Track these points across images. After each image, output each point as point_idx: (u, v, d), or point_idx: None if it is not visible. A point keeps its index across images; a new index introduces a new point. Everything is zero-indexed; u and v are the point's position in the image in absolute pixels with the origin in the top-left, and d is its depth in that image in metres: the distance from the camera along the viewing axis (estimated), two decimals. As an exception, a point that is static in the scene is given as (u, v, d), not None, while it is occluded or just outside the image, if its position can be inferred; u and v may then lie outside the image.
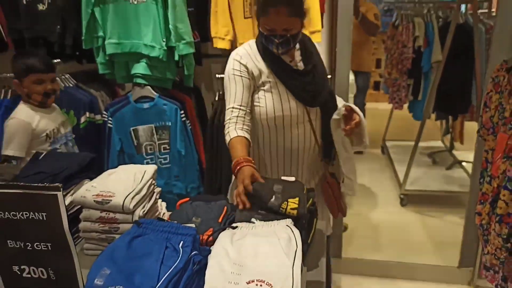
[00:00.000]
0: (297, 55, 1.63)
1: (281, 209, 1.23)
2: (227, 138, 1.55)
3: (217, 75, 2.47)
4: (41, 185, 0.88)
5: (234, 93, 1.59)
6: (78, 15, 2.28)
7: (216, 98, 2.43)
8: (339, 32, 2.19)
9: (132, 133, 2.40)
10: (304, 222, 1.28)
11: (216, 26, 2.27)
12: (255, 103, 1.63)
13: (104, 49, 2.29)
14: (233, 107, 1.59)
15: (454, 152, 4.07)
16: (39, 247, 0.94)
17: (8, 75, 2.57)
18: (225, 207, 1.44)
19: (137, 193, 1.36)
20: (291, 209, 1.22)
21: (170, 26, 2.14)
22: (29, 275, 0.97)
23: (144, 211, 1.37)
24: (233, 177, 1.64)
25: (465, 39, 2.93)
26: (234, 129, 1.54)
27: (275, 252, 0.96)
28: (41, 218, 0.91)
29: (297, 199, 1.25)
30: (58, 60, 2.51)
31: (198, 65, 2.41)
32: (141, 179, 1.44)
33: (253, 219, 1.21)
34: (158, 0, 2.14)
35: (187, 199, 1.53)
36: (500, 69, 1.41)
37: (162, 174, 2.43)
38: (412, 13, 3.14)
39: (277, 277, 0.88)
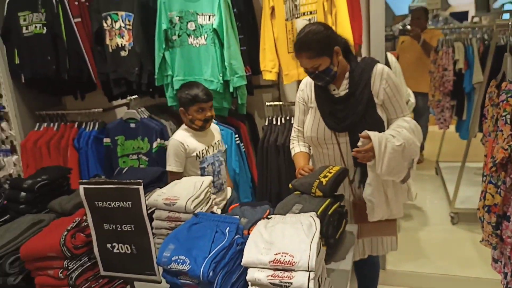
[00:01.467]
0: (345, 83, 1.83)
1: (311, 192, 1.63)
2: (292, 152, 2.05)
3: (267, 103, 2.82)
4: (128, 181, 1.24)
5: (297, 116, 2.04)
6: (151, 59, 2.76)
7: (266, 123, 2.77)
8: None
9: (195, 155, 2.78)
10: (331, 220, 1.55)
11: (264, 61, 2.63)
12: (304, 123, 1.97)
13: (172, 85, 2.73)
14: (295, 127, 2.07)
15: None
16: (125, 228, 1.29)
17: (95, 110, 3.14)
18: (268, 210, 1.74)
19: (196, 197, 1.70)
20: (323, 177, 1.63)
21: (226, 63, 2.53)
22: (118, 251, 1.33)
23: (203, 211, 1.70)
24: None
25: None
26: (298, 145, 2.05)
27: (298, 233, 1.23)
28: (127, 206, 1.26)
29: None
30: (136, 96, 3.02)
31: (250, 95, 2.77)
32: (200, 187, 1.78)
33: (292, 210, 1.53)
34: (216, 43, 2.55)
35: (237, 204, 1.85)
36: (492, 85, 1.58)
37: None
38: (452, 37, 3.29)
39: (297, 250, 1.15)
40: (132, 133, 2.94)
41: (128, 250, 1.31)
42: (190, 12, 2.57)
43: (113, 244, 1.33)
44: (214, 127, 2.39)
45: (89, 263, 1.41)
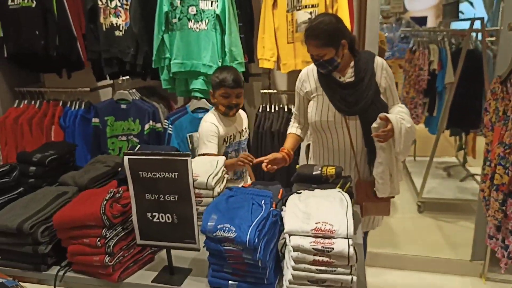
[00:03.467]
0: (350, 71, 1.95)
1: (322, 173, 1.74)
2: (287, 132, 2.22)
3: (261, 91, 2.92)
4: (177, 152, 1.30)
5: (296, 104, 2.17)
6: (148, 40, 2.77)
7: (260, 110, 2.88)
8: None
9: (188, 138, 2.83)
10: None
11: (262, 50, 2.72)
12: (308, 110, 2.07)
13: (169, 68, 2.76)
14: (294, 113, 2.21)
15: (467, 166, 4.42)
16: (168, 198, 1.35)
17: (82, 89, 3.08)
18: (281, 189, 1.86)
19: (215, 175, 1.78)
20: (330, 170, 1.73)
21: (226, 49, 2.60)
22: (158, 220, 1.38)
23: (220, 188, 1.79)
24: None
25: (475, 63, 3.33)
26: (291, 127, 2.21)
27: (332, 205, 1.36)
28: (173, 176, 1.32)
29: (333, 166, 1.76)
30: (127, 77, 3.00)
31: (245, 82, 2.85)
32: (216, 166, 1.85)
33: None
34: (217, 28, 2.60)
35: (250, 183, 1.95)
36: (496, 82, 1.82)
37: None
38: (427, 40, 3.56)
39: (335, 220, 1.28)
40: (123, 114, 2.93)
41: (169, 219, 1.38)
42: (192, -4, 2.61)
43: (154, 214, 1.38)
44: (242, 113, 2.38)
45: (123, 233, 1.46)
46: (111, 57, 2.87)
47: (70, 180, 1.81)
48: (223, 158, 1.94)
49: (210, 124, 2.17)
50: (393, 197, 2.06)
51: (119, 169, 1.87)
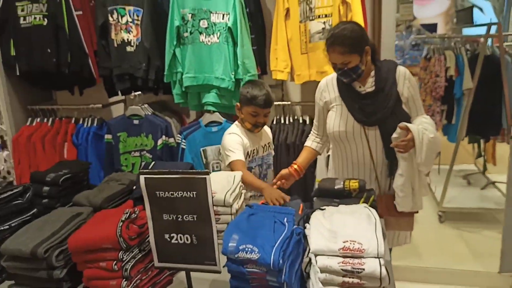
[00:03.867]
0: (371, 81, 1.90)
1: (345, 187, 1.65)
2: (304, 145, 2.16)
3: (275, 103, 2.86)
4: (195, 171, 1.25)
5: (316, 115, 2.12)
6: (160, 54, 2.74)
7: (274, 122, 2.82)
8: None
9: (202, 153, 2.79)
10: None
11: (275, 61, 2.68)
12: (327, 121, 2.02)
13: (181, 82, 2.72)
14: (314, 124, 2.15)
15: (487, 174, 4.29)
16: (187, 218, 1.29)
17: (95, 105, 3.07)
18: (301, 204, 1.79)
19: (233, 191, 1.72)
20: (353, 183, 1.65)
21: (239, 62, 2.56)
22: (176, 241, 1.32)
23: (238, 205, 1.72)
24: None
25: (493, 69, 3.25)
26: (309, 140, 2.16)
27: (359, 223, 1.29)
28: (192, 196, 1.26)
29: (356, 179, 1.67)
30: (139, 92, 2.98)
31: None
32: (233, 182, 1.80)
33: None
34: (229, 41, 2.57)
35: (269, 199, 1.87)
36: None
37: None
38: (442, 46, 3.49)
39: (364, 238, 1.20)
40: (136, 129, 2.90)
41: (187, 240, 1.31)
42: (203, 10, 2.58)
43: (172, 235, 1.32)
44: (266, 128, 2.32)
45: (140, 255, 1.40)
46: (122, 73, 2.85)
47: (84, 200, 1.76)
48: (240, 173, 1.88)
49: (235, 135, 2.12)
50: (417, 212, 1.98)
51: (134, 187, 1.82)
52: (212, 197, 1.26)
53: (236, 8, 2.51)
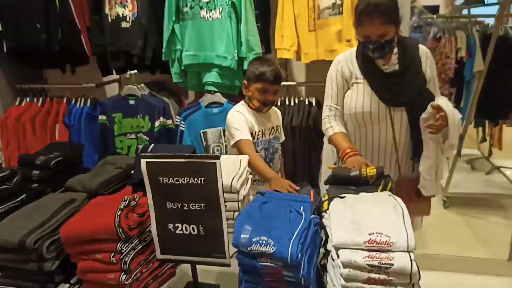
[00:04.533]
0: (394, 58, 1.77)
1: (362, 174, 1.50)
2: (330, 132, 1.89)
3: (279, 83, 2.71)
4: (204, 154, 1.11)
5: (333, 94, 1.89)
6: (158, 31, 2.57)
7: (279, 104, 2.68)
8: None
9: (202, 135, 2.65)
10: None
11: (281, 39, 2.52)
12: (345, 100, 1.86)
13: (180, 60, 2.57)
14: (330, 106, 1.91)
15: (492, 159, 4.20)
16: (194, 207, 1.16)
17: (88, 85, 2.90)
18: (312, 191, 1.66)
19: (240, 176, 1.58)
20: (370, 170, 1.50)
21: (242, 39, 2.40)
22: (181, 232, 1.20)
23: (245, 191, 1.59)
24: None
25: (506, 50, 3.12)
26: (336, 125, 1.89)
27: (386, 213, 1.16)
28: (199, 182, 1.13)
29: (373, 166, 1.53)
30: (135, 71, 2.81)
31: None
32: (240, 166, 1.66)
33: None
34: (232, 17, 2.41)
35: (277, 185, 1.74)
36: None
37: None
38: (452, 26, 3.35)
39: (392, 230, 1.08)
40: (132, 110, 2.75)
41: (194, 231, 1.19)
42: (205, -18, 2.41)
43: (176, 225, 1.19)
44: (276, 111, 2.17)
45: (140, 246, 1.27)
46: (117, 50, 2.68)
47: (78, 184, 1.62)
48: (246, 157, 1.74)
49: (239, 114, 1.97)
50: (434, 196, 1.87)
51: (132, 171, 1.68)
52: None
53: (240, -19, 2.34)
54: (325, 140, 2.53)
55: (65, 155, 1.78)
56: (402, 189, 1.80)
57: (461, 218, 3.41)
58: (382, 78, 1.77)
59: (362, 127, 1.85)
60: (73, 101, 2.91)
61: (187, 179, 1.14)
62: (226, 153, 2.67)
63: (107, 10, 2.63)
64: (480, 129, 4.29)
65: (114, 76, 3.04)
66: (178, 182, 1.15)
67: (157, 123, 2.70)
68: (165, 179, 1.16)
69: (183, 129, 2.63)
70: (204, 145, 2.66)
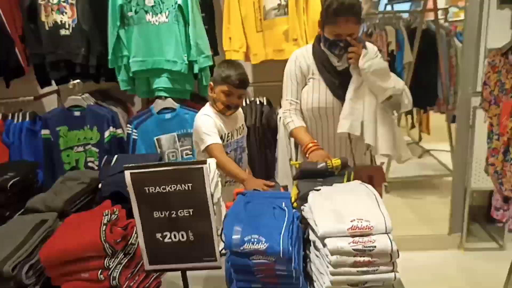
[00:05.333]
0: (345, 55, 1.82)
1: (328, 166, 1.59)
2: (291, 126, 1.95)
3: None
4: (190, 161, 1.13)
5: (292, 89, 1.95)
6: (101, 38, 2.49)
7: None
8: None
9: (156, 142, 2.61)
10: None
11: (228, 41, 2.56)
12: (302, 95, 1.94)
13: (126, 67, 2.50)
14: (291, 100, 1.96)
15: (422, 143, 4.58)
16: (182, 213, 1.17)
17: (25, 98, 2.73)
18: (281, 188, 1.73)
19: (211, 180, 1.60)
20: (335, 161, 1.59)
21: (191, 42, 2.40)
22: (170, 240, 1.20)
23: (218, 193, 1.62)
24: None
25: (429, 42, 3.43)
26: (297, 119, 1.95)
27: (361, 200, 1.26)
28: (187, 188, 1.14)
29: (337, 158, 1.62)
30: (78, 80, 2.69)
31: (211, 76, 2.67)
32: (209, 170, 1.68)
33: (317, 187, 1.53)
34: (179, 20, 2.40)
35: (245, 187, 1.79)
36: (495, 55, 1.84)
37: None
38: (382, 22, 3.61)
39: (370, 215, 1.18)
40: (78, 122, 2.63)
41: (183, 237, 1.20)
42: (148, -14, 2.38)
43: (165, 233, 1.19)
44: (238, 110, 2.15)
45: (126, 260, 1.25)
46: (57, 60, 2.55)
47: (40, 204, 1.54)
48: (214, 160, 1.76)
49: (208, 117, 1.97)
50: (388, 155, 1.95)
51: (99, 185, 1.63)
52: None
53: (186, -15, 2.34)
54: (279, 137, 2.63)
55: (22, 175, 1.69)
56: (357, 177, 1.91)
57: (402, 201, 3.69)
58: (335, 75, 1.87)
59: (318, 121, 1.94)
60: (9, 117, 2.71)
61: (174, 187, 1.15)
62: (182, 158, 2.66)
63: (43, 18, 2.49)
64: (409, 116, 4.66)
65: (53, 87, 2.88)
66: (165, 191, 1.15)
67: (106, 134, 2.60)
68: (151, 189, 1.15)
69: (135, 137, 2.58)
70: (159, 152, 2.62)
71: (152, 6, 2.40)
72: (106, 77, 2.71)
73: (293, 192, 1.67)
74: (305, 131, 1.94)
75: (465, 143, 2.70)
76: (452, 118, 3.80)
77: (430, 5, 3.44)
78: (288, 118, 1.98)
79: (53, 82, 2.74)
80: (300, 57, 1.94)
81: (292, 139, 2.20)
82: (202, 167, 1.13)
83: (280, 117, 2.54)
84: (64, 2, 2.46)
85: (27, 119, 2.71)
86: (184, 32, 2.42)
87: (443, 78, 3.48)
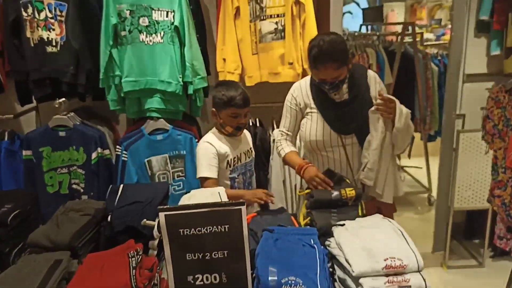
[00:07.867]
0: (344, 88, 1.86)
1: (342, 196, 1.61)
2: (283, 153, 2.01)
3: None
4: (228, 202, 1.10)
5: (285, 120, 2.01)
6: (90, 56, 2.40)
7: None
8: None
9: (147, 164, 2.53)
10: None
11: (222, 62, 2.54)
12: (300, 128, 1.96)
13: (118, 87, 2.42)
14: (282, 131, 2.02)
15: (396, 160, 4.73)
16: (216, 255, 1.14)
17: (3, 116, 2.58)
18: (292, 217, 1.73)
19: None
20: (349, 191, 1.62)
21: (187, 64, 2.36)
22: (201, 282, 1.16)
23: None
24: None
25: (406, 64, 3.57)
26: (287, 145, 2.03)
27: (390, 237, 1.28)
28: (223, 230, 1.11)
29: (351, 187, 1.65)
30: (64, 99, 2.57)
31: (205, 97, 2.63)
32: (220, 197, 1.65)
33: (332, 220, 1.54)
34: (175, 41, 2.35)
35: (255, 214, 1.77)
36: (499, 91, 1.94)
37: (176, 200, 2.58)
38: (363, 43, 3.71)
39: (401, 254, 1.20)
40: (62, 143, 2.51)
41: (215, 279, 1.16)
42: (143, 6, 2.32)
43: (196, 276, 1.16)
44: (246, 132, 2.15)
45: (151, 302, 1.20)
46: (42, 77, 2.43)
47: (44, 239, 1.44)
48: (223, 188, 1.74)
49: (208, 145, 1.94)
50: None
51: (108, 217, 1.55)
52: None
53: (183, 6, 2.31)
54: (271, 159, 2.63)
55: (21, 207, 1.58)
56: (367, 207, 1.94)
57: (381, 217, 3.77)
58: (333, 108, 1.88)
59: (318, 153, 1.97)
60: (-14, 137, 2.55)
61: (210, 228, 1.12)
62: (173, 180, 2.60)
63: (28, 34, 2.36)
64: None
65: (31, 105, 2.73)
66: (200, 232, 1.12)
67: (94, 155, 2.50)
68: (186, 231, 1.12)
69: (125, 159, 2.49)
70: (150, 174, 2.55)
71: (147, 26, 2.34)
72: (94, 96, 2.61)
73: (301, 218, 1.68)
74: (296, 154, 2.01)
75: (448, 165, 2.82)
76: (427, 137, 3.96)
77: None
78: (280, 147, 2.05)
79: (33, 100, 2.61)
80: (298, 91, 1.97)
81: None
82: (240, 209, 1.10)
83: (273, 139, 2.56)
84: (52, 18, 2.35)
85: (6, 138, 2.56)
86: (179, 53, 2.38)
87: (420, 99, 3.63)
